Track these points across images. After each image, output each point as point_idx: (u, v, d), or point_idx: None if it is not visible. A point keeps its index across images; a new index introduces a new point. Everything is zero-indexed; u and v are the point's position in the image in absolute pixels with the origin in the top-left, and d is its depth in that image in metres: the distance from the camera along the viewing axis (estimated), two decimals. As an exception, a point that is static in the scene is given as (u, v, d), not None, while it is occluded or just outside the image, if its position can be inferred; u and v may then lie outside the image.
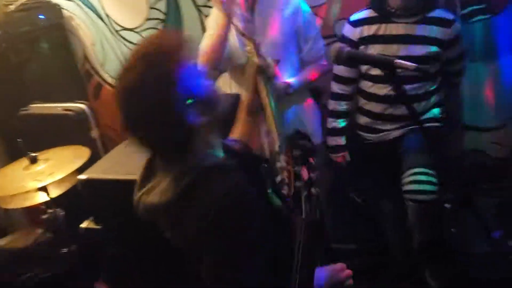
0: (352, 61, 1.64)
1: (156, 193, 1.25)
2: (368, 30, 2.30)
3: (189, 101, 1.18)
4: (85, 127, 2.87)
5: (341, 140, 2.53)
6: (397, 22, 2.26)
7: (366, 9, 2.37)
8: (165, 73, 1.15)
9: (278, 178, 1.19)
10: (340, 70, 2.42)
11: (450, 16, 2.28)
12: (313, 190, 1.14)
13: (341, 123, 2.51)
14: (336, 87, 2.48)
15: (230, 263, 1.16)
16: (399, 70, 1.49)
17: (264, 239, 1.19)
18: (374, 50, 2.29)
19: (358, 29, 2.32)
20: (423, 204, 2.13)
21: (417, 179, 2.15)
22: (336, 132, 2.53)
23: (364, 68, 2.36)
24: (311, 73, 2.35)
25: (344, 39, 2.37)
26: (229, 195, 1.16)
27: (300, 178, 1.15)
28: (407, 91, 2.20)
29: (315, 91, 2.61)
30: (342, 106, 2.49)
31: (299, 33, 2.29)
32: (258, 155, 1.60)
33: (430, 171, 2.14)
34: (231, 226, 1.16)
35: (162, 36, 1.29)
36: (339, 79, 2.45)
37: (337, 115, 2.51)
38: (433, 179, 2.13)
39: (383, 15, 2.28)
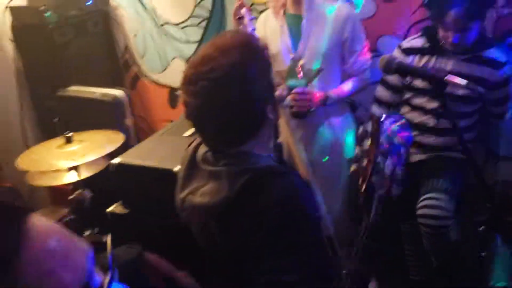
0: (402, 72, 1.62)
1: (205, 193, 1.21)
2: (419, 61, 2.28)
3: (270, 95, 1.19)
4: (120, 114, 2.90)
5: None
6: (447, 57, 2.24)
7: (418, 36, 2.35)
8: (262, 63, 1.17)
9: (352, 167, 1.15)
10: (391, 77, 2.40)
11: (503, 58, 2.23)
12: (394, 188, 1.08)
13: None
14: (380, 93, 2.46)
15: (289, 267, 1.12)
16: (448, 89, 1.47)
17: (320, 241, 1.18)
18: (419, 82, 2.27)
19: (409, 58, 2.29)
20: (434, 229, 2.11)
21: (429, 204, 2.13)
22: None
23: (408, 95, 2.35)
24: (351, 87, 2.33)
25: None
26: (289, 198, 1.14)
27: (380, 173, 1.08)
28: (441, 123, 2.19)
29: (351, 104, 2.59)
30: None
31: (345, 44, 2.27)
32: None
33: (443, 196, 2.12)
34: (292, 230, 1.12)
35: (248, 33, 1.29)
36: (386, 85, 2.43)
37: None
38: (445, 205, 2.10)
39: (435, 48, 2.26)
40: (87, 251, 0.75)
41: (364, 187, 1.06)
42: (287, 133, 1.90)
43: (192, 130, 2.35)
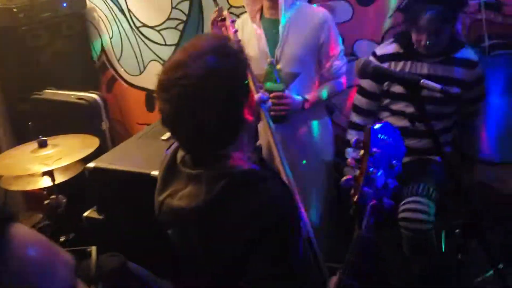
0: (378, 76, 1.63)
1: (183, 196, 1.19)
2: (395, 67, 2.31)
3: (246, 98, 1.17)
4: (96, 117, 2.86)
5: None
6: (422, 61, 2.28)
7: (391, 43, 2.38)
8: (236, 67, 1.15)
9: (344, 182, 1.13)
10: (368, 84, 2.42)
11: (475, 57, 2.28)
12: (385, 200, 1.07)
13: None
14: (358, 101, 2.48)
15: (272, 273, 1.10)
16: (424, 92, 1.49)
17: (301, 247, 1.16)
18: (397, 87, 2.30)
19: (384, 65, 2.31)
20: (416, 233, 2.12)
21: (411, 208, 2.14)
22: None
23: (386, 101, 2.38)
24: (328, 90, 2.34)
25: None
26: (269, 205, 1.12)
27: (372, 184, 1.05)
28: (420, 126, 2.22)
29: (328, 108, 2.61)
30: (364, 121, 2.47)
31: (321, 48, 2.28)
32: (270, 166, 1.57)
33: (425, 201, 2.14)
34: (272, 237, 1.10)
35: (221, 36, 1.27)
36: (363, 92, 2.45)
37: (359, 128, 2.48)
38: (428, 209, 2.12)
39: (409, 53, 2.29)
40: (69, 262, 0.71)
41: (356, 198, 1.05)
42: (267, 135, 1.90)
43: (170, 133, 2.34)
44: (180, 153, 1.26)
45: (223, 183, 1.12)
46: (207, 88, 1.10)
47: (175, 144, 1.31)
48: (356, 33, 2.76)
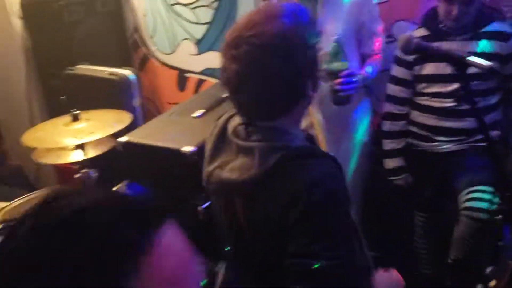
0: (421, 52, 1.58)
1: (234, 168, 1.17)
2: (418, 52, 2.23)
3: (313, 71, 1.16)
4: (128, 94, 2.86)
5: (401, 161, 2.45)
6: (450, 40, 2.19)
7: (418, 28, 2.32)
8: (309, 36, 1.13)
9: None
10: (399, 72, 2.35)
11: (509, 29, 2.19)
12: None
13: (399, 143, 2.43)
14: (391, 90, 2.41)
15: (317, 253, 1.07)
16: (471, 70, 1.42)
17: (351, 229, 1.15)
18: (428, 69, 2.23)
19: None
20: (480, 223, 2.06)
21: (477, 197, 2.07)
22: (394, 153, 2.45)
23: (421, 86, 2.30)
24: (374, 68, 2.29)
25: (398, 60, 2.32)
26: (322, 181, 1.10)
27: None
28: (463, 105, 2.15)
29: (367, 90, 2.54)
30: (398, 125, 2.41)
31: (363, 27, 2.23)
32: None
33: (491, 189, 2.06)
34: (322, 215, 1.09)
35: (295, 3, 1.24)
36: (395, 80, 2.38)
37: (394, 135, 2.43)
38: (494, 198, 2.05)
39: (436, 34, 2.22)
40: (200, 280, 0.67)
41: None
42: (312, 115, 1.85)
43: (201, 111, 2.31)
44: (232, 124, 1.24)
45: (277, 157, 1.10)
46: (279, 50, 1.09)
47: (226, 115, 1.29)
48: (394, 14, 2.68)
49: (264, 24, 1.10)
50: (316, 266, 1.06)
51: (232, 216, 1.23)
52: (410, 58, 2.26)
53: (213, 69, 3.17)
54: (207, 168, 1.26)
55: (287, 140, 1.15)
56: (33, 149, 2.65)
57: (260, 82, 1.10)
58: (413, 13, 2.64)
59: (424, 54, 1.68)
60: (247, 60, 1.09)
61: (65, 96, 2.58)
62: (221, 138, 1.25)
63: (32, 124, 3.14)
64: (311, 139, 1.37)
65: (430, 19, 2.26)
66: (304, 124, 2.15)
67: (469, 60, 1.41)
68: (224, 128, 1.26)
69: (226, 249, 1.52)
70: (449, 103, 2.23)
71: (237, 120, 1.24)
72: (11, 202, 2.37)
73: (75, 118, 2.39)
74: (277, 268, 1.13)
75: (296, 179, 1.10)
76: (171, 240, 0.62)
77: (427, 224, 2.53)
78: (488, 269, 1.58)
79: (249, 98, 1.14)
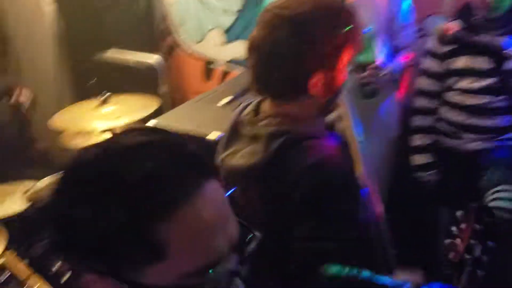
0: (457, 43, 1.54)
1: (242, 155, 1.19)
2: (455, 43, 2.18)
3: (322, 66, 1.15)
4: (155, 80, 2.89)
5: (430, 157, 2.41)
6: (483, 34, 2.12)
7: (453, 21, 2.24)
8: (335, 27, 1.14)
9: (447, 241, 1.11)
10: (431, 65, 2.31)
11: None
12: (478, 272, 1.08)
13: (428, 139, 2.39)
14: (421, 84, 2.37)
15: (325, 235, 1.08)
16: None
17: (354, 218, 1.13)
18: (460, 63, 2.17)
19: (447, 47, 2.17)
20: (506, 223, 2.02)
21: (502, 196, 2.04)
22: (423, 149, 2.42)
23: (451, 80, 2.26)
24: (404, 61, 2.26)
25: (430, 52, 2.28)
26: (322, 166, 1.10)
27: (471, 253, 1.09)
28: (496, 101, 2.10)
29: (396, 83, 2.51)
30: (428, 120, 2.37)
31: (395, 19, 2.20)
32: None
33: None
34: (327, 198, 1.09)
35: None
36: (426, 73, 2.34)
37: (424, 130, 2.39)
38: None
39: (470, 28, 2.15)
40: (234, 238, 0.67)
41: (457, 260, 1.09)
42: (343, 111, 1.83)
43: (227, 99, 2.31)
44: (245, 114, 1.26)
45: (280, 141, 1.12)
46: (297, 25, 1.11)
47: (241, 106, 1.31)
48: (427, 8, 2.63)
49: (297, 3, 1.13)
50: (325, 248, 1.06)
51: (249, 202, 1.24)
52: (443, 50, 2.22)
53: (240, 59, 3.16)
54: (220, 156, 1.28)
55: (294, 125, 1.16)
56: (60, 133, 2.70)
57: (268, 48, 1.13)
58: (447, 7, 2.59)
59: (460, 45, 1.63)
60: (267, 24, 1.14)
61: (95, 80, 2.61)
62: (234, 128, 1.28)
63: (60, 108, 3.19)
64: (332, 130, 1.36)
65: (464, 13, 2.21)
66: (333, 116, 2.14)
67: (507, 52, 1.37)
68: (238, 118, 1.28)
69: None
70: (479, 100, 2.19)
71: (249, 109, 1.26)
72: (38, 182, 2.41)
73: (104, 102, 2.42)
74: (288, 254, 1.13)
75: (298, 162, 1.11)
76: (213, 195, 0.63)
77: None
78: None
79: (262, 68, 1.17)
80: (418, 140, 2.41)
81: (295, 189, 1.09)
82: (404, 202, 2.62)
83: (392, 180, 2.47)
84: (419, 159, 2.42)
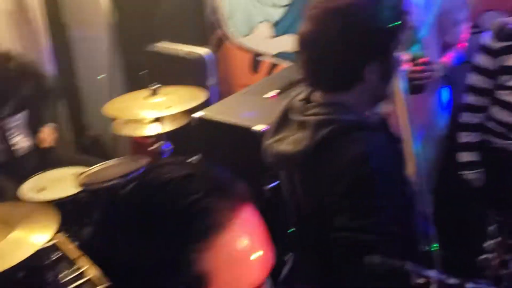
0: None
1: (289, 142, 1.20)
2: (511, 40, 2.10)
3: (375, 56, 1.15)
4: (203, 73, 2.93)
5: (477, 156, 2.35)
6: None
7: (510, 16, 2.16)
8: (390, 17, 1.13)
9: (483, 256, 1.13)
10: (484, 61, 2.23)
11: None
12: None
13: (476, 137, 2.33)
14: (472, 80, 2.30)
15: (366, 227, 1.07)
16: None
17: (398, 208, 1.12)
18: None
19: (503, 43, 2.07)
20: None
21: None
22: (470, 146, 2.35)
23: (504, 78, 2.17)
24: (457, 58, 2.20)
25: (484, 48, 2.19)
26: (368, 155, 1.09)
27: (506, 267, 1.11)
28: None
29: (447, 80, 2.45)
30: (477, 118, 2.30)
31: (447, 13, 2.14)
32: (395, 133, 1.49)
33: None
34: (366, 189, 1.08)
35: None
36: (478, 69, 2.27)
37: (471, 127, 2.32)
38: None
39: None
40: (268, 263, 0.69)
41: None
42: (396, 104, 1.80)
43: (275, 91, 2.33)
44: (295, 102, 1.27)
45: (328, 129, 1.12)
46: (349, 18, 1.10)
47: (293, 94, 1.32)
48: (483, 3, 2.54)
49: None
50: (365, 239, 1.05)
51: (292, 188, 1.25)
52: (498, 46, 2.13)
53: (288, 53, 3.16)
54: (266, 142, 1.30)
55: (343, 114, 1.15)
56: (111, 121, 2.79)
57: (320, 43, 1.13)
58: (504, 3, 2.49)
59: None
60: (317, 19, 1.13)
61: (146, 71, 2.69)
62: (284, 116, 1.28)
63: (112, 98, 3.30)
64: (384, 123, 1.33)
65: None
66: (386, 109, 2.11)
67: None
68: (288, 107, 1.28)
69: (289, 231, 1.54)
70: None
71: (300, 97, 1.27)
72: (90, 168, 2.51)
73: (154, 92, 2.48)
74: (328, 243, 1.13)
75: (344, 153, 1.10)
76: (248, 220, 0.65)
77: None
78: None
79: (312, 61, 1.17)
80: (465, 137, 2.34)
81: (339, 179, 1.10)
82: (450, 202, 2.56)
83: (437, 180, 2.42)
84: (464, 156, 2.35)
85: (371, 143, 1.12)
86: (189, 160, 0.66)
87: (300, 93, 1.29)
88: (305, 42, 1.17)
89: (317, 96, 1.23)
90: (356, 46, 1.12)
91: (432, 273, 0.76)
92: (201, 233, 0.60)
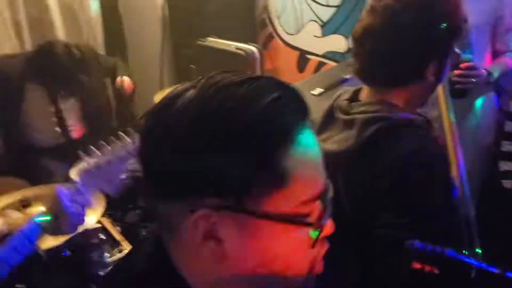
0: None
1: (334, 141, 1.19)
2: None
3: (436, 56, 1.13)
4: (251, 69, 2.96)
5: None
6: None
7: None
8: (450, 18, 1.11)
9: None
10: None
11: None
12: None
13: None
14: None
15: (406, 225, 1.05)
16: None
17: (445, 209, 1.10)
18: None
19: None
20: None
21: None
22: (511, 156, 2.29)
23: None
24: (502, 67, 2.14)
25: None
26: (418, 153, 1.08)
27: None
28: None
29: (496, 88, 2.39)
30: None
31: (501, 20, 2.09)
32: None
33: None
34: (413, 186, 1.07)
35: None
36: None
37: None
38: None
39: None
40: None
41: None
42: (439, 110, 1.78)
43: (317, 91, 2.33)
44: (340, 100, 1.26)
45: (375, 127, 1.10)
46: (414, 14, 1.08)
47: (337, 93, 1.31)
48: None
49: None
50: (402, 238, 1.04)
51: (334, 187, 1.24)
52: None
53: (335, 52, 3.16)
54: None
55: (392, 112, 1.13)
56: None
57: (387, 35, 1.10)
58: None
59: None
60: (380, 12, 1.11)
61: (194, 66, 2.75)
62: (330, 115, 1.27)
63: (162, 88, 3.40)
64: (429, 125, 1.31)
65: None
66: (433, 114, 2.09)
67: None
68: (333, 106, 1.27)
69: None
70: None
71: (345, 97, 1.26)
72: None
73: (202, 85, 2.54)
74: (369, 241, 1.12)
75: (391, 150, 1.08)
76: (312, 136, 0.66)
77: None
78: None
79: (367, 50, 1.14)
80: (507, 146, 2.28)
81: (386, 175, 1.08)
82: (493, 210, 2.50)
83: (480, 188, 2.36)
84: (504, 165, 2.30)
85: (420, 141, 1.10)
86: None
87: (344, 92, 1.28)
88: (369, 34, 1.14)
89: (364, 94, 1.22)
90: (426, 42, 1.09)
91: (474, 262, 0.76)
92: (283, 131, 0.60)
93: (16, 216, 1.52)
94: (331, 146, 1.19)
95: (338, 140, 1.18)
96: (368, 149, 1.11)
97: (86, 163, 1.31)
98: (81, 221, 1.33)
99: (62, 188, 1.29)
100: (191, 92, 0.63)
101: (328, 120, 1.27)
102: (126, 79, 2.85)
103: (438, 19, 1.09)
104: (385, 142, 1.10)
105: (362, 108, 1.17)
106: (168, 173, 0.60)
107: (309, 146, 0.63)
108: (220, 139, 0.58)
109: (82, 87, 2.71)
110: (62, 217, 1.28)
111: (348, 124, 1.18)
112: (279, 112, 0.60)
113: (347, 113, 1.20)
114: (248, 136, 0.58)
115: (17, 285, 1.40)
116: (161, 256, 0.67)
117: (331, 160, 1.20)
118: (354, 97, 1.25)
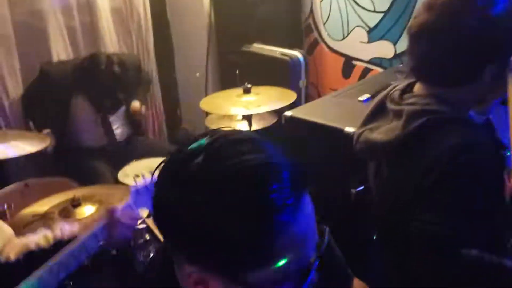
0: None
1: (382, 131, 1.18)
2: None
3: (497, 57, 1.09)
4: (295, 75, 2.98)
5: None
6: None
7: None
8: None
9: None
10: None
11: None
12: None
13: None
14: None
15: (445, 220, 1.03)
16: None
17: (491, 208, 1.07)
18: None
19: None
20: None
21: None
22: None
23: None
24: None
25: None
26: (464, 149, 1.04)
27: None
28: None
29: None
30: None
31: None
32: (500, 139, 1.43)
33: None
34: (459, 184, 1.04)
35: None
36: None
37: None
38: None
39: None
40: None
41: None
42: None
43: (364, 97, 2.30)
44: (393, 92, 1.24)
45: (422, 120, 1.09)
46: (475, 11, 1.05)
47: (391, 86, 1.29)
48: None
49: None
50: (436, 233, 1.02)
51: (380, 178, 1.23)
52: None
53: (382, 59, 3.12)
54: (358, 130, 1.28)
55: (441, 107, 1.10)
56: (204, 116, 2.92)
57: (445, 34, 1.07)
58: None
59: None
60: (439, 9, 1.07)
61: (239, 71, 2.79)
62: (380, 106, 1.26)
63: (206, 94, 3.44)
64: (490, 126, 1.25)
65: None
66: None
67: None
68: (385, 97, 1.26)
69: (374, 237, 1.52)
70: None
71: (399, 87, 1.24)
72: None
73: (247, 91, 2.57)
74: (406, 233, 1.10)
75: (437, 145, 1.06)
76: (309, 207, 0.68)
77: None
78: None
79: (423, 48, 1.11)
80: None
81: (429, 170, 1.06)
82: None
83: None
84: None
85: (466, 136, 1.07)
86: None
87: (398, 84, 1.26)
88: (425, 32, 1.10)
89: (418, 87, 1.20)
90: (487, 43, 1.06)
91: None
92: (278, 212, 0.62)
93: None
94: (377, 135, 1.19)
95: (385, 130, 1.18)
96: (412, 142, 1.10)
97: (136, 183, 1.42)
98: (129, 235, 1.41)
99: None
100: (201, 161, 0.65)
101: (379, 110, 1.26)
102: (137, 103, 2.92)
103: (504, 19, 1.05)
104: (430, 136, 1.08)
105: (412, 100, 1.15)
106: (171, 239, 0.70)
107: (300, 224, 0.65)
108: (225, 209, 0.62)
109: (121, 102, 2.82)
110: (114, 230, 1.34)
111: (397, 115, 1.16)
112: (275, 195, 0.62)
113: (398, 104, 1.19)
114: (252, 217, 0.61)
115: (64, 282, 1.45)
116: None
117: (376, 149, 1.19)
118: (407, 89, 1.23)
